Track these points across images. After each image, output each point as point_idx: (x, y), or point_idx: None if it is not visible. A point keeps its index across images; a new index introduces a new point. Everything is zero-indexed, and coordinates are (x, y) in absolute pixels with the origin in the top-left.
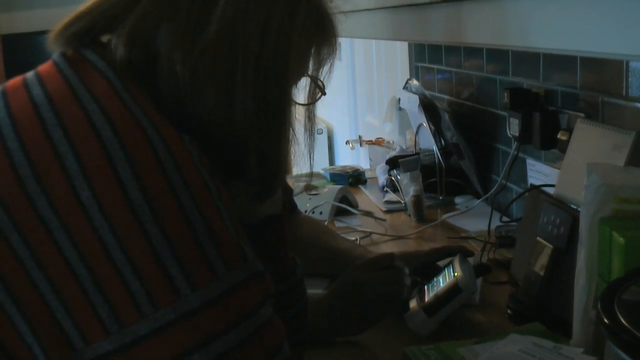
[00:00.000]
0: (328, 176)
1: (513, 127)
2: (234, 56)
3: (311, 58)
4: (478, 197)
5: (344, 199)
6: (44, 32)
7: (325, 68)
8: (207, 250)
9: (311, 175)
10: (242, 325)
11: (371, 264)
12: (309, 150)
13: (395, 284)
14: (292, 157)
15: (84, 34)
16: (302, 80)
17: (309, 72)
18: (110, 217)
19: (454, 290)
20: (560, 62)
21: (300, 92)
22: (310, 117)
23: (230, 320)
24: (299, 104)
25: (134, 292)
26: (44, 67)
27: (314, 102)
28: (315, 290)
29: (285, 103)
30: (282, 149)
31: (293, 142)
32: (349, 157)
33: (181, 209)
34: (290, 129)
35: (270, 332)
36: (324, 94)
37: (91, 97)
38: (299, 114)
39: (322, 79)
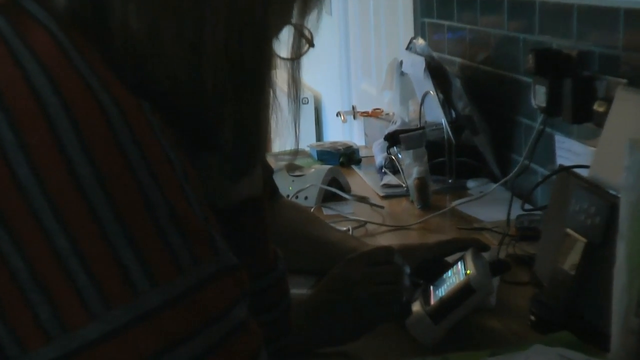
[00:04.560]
0: (315, 154)
1: (539, 96)
2: (200, 5)
3: (295, 2)
4: (495, 180)
5: (333, 181)
6: None
7: (313, 14)
8: (170, 239)
9: (295, 152)
10: (212, 328)
11: (365, 258)
12: (294, 120)
13: (393, 284)
14: (274, 127)
15: None
16: (284, 31)
17: (292, 20)
18: (53, 198)
19: (465, 291)
20: (599, 16)
21: (282, 46)
22: (295, 79)
23: (197, 322)
24: (282, 59)
25: (81, 289)
26: None
27: (300, 57)
28: (298, 290)
29: (264, 60)
30: (262, 117)
31: (274, 109)
32: (340, 132)
33: (139, 190)
34: (272, 92)
35: (244, 337)
36: (311, 45)
37: (30, 54)
38: (280, 78)
39: (308, 28)
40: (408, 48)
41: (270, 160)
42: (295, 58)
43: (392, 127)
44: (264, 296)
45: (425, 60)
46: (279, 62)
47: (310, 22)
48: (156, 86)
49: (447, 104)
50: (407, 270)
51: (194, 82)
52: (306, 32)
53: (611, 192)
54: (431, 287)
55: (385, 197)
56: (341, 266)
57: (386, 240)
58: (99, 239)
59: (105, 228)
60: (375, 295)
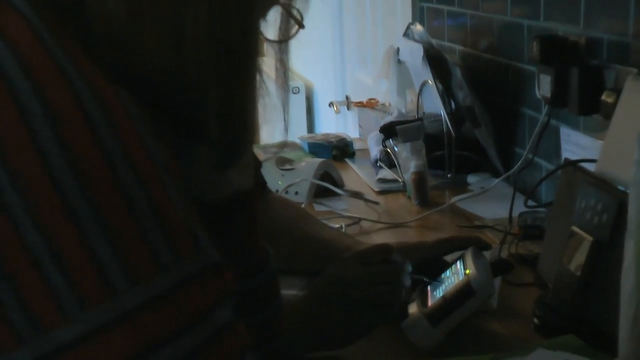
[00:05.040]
0: (306, 147)
1: (544, 86)
2: None
3: None
4: (497, 175)
5: (326, 175)
6: None
7: None
8: (150, 234)
9: (285, 144)
10: (195, 329)
11: (361, 257)
12: (283, 109)
13: (392, 284)
14: (262, 116)
15: None
16: (271, 11)
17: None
18: (24, 190)
19: (465, 292)
20: (608, 1)
21: (269, 27)
22: (283, 63)
23: (179, 323)
24: (269, 41)
25: (54, 288)
26: None
27: (289, 40)
28: (289, 291)
29: (250, 43)
30: (249, 104)
31: (262, 97)
32: (333, 124)
33: (117, 182)
34: (258, 76)
35: (229, 338)
36: (301, 27)
37: (0, 37)
38: (267, 65)
39: (297, 8)
40: (405, 35)
41: (258, 153)
42: (284, 40)
43: (388, 119)
44: (254, 297)
45: (424, 47)
46: (266, 47)
47: (299, 1)
48: (136, 73)
49: (446, 94)
50: (409, 268)
51: (176, 67)
52: (295, 13)
53: (620, 188)
54: (429, 288)
55: (381, 193)
56: (335, 266)
57: (382, 238)
58: (74, 234)
59: (81, 223)
60: (372, 297)
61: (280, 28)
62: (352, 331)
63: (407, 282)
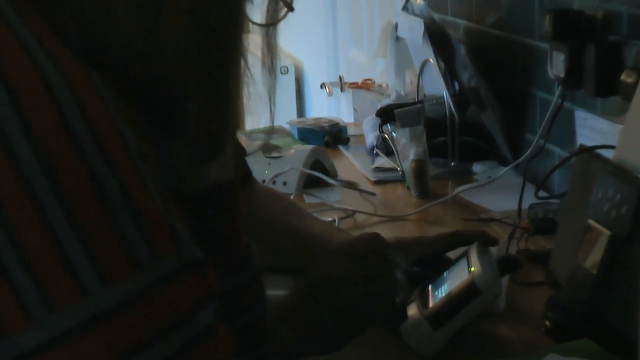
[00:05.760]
0: (295, 132)
1: (557, 65)
2: None
3: None
4: (505, 163)
5: (317, 164)
6: None
7: None
8: (124, 230)
9: (272, 130)
10: (174, 333)
11: (350, 250)
12: (270, 93)
13: (386, 277)
14: (245, 102)
15: None
16: None
17: None
18: None
19: (469, 292)
20: None
21: (256, 9)
22: (271, 46)
23: (157, 326)
24: (256, 24)
25: (18, 288)
26: None
27: (277, 23)
28: (275, 291)
29: (235, 21)
30: (232, 88)
31: (247, 80)
32: (325, 107)
33: (88, 172)
34: (242, 62)
35: (212, 344)
36: (290, 9)
37: None
38: (253, 43)
39: None
40: (404, 9)
41: (243, 140)
42: (272, 24)
43: (386, 101)
44: (236, 298)
45: (425, 22)
46: (252, 27)
47: None
48: (108, 53)
49: (449, 74)
50: (401, 262)
51: (153, 47)
52: None
53: None
54: (430, 287)
55: (378, 183)
56: (322, 261)
57: (378, 232)
58: (41, 229)
59: (48, 216)
60: (366, 293)
61: (267, 10)
62: (344, 332)
63: (400, 276)
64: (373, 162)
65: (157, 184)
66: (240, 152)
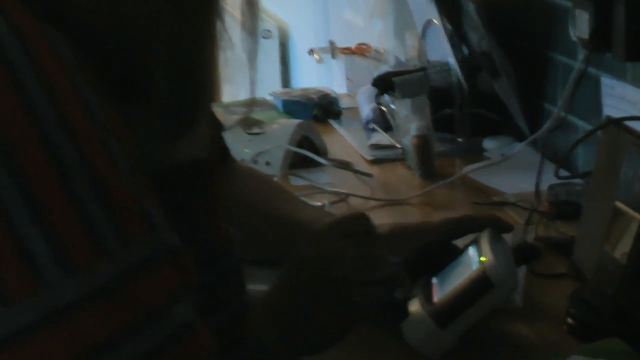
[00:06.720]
0: (280, 105)
1: (581, 25)
2: None
3: None
4: (521, 138)
5: (305, 141)
6: None
7: None
8: (89, 211)
9: (253, 102)
10: (147, 329)
11: (337, 227)
12: (249, 60)
13: (381, 257)
14: (223, 70)
15: None
16: None
17: None
18: None
19: (480, 285)
20: None
21: None
22: (251, 5)
23: (127, 322)
24: None
25: None
26: None
27: None
28: (257, 285)
29: None
30: (206, 56)
31: (224, 45)
32: (314, 76)
33: (46, 145)
34: (219, 22)
35: (190, 342)
36: None
37: None
38: (231, 4)
39: None
40: None
41: (220, 114)
42: None
43: (384, 69)
44: (212, 292)
45: None
46: None
47: None
48: (70, 13)
49: (457, 36)
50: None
51: (119, 7)
52: None
53: None
54: (435, 280)
55: (375, 162)
56: (306, 243)
57: (376, 218)
58: None
59: (2, 197)
60: (358, 274)
61: None
62: (334, 327)
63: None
64: (369, 139)
65: (130, 162)
66: (217, 127)
